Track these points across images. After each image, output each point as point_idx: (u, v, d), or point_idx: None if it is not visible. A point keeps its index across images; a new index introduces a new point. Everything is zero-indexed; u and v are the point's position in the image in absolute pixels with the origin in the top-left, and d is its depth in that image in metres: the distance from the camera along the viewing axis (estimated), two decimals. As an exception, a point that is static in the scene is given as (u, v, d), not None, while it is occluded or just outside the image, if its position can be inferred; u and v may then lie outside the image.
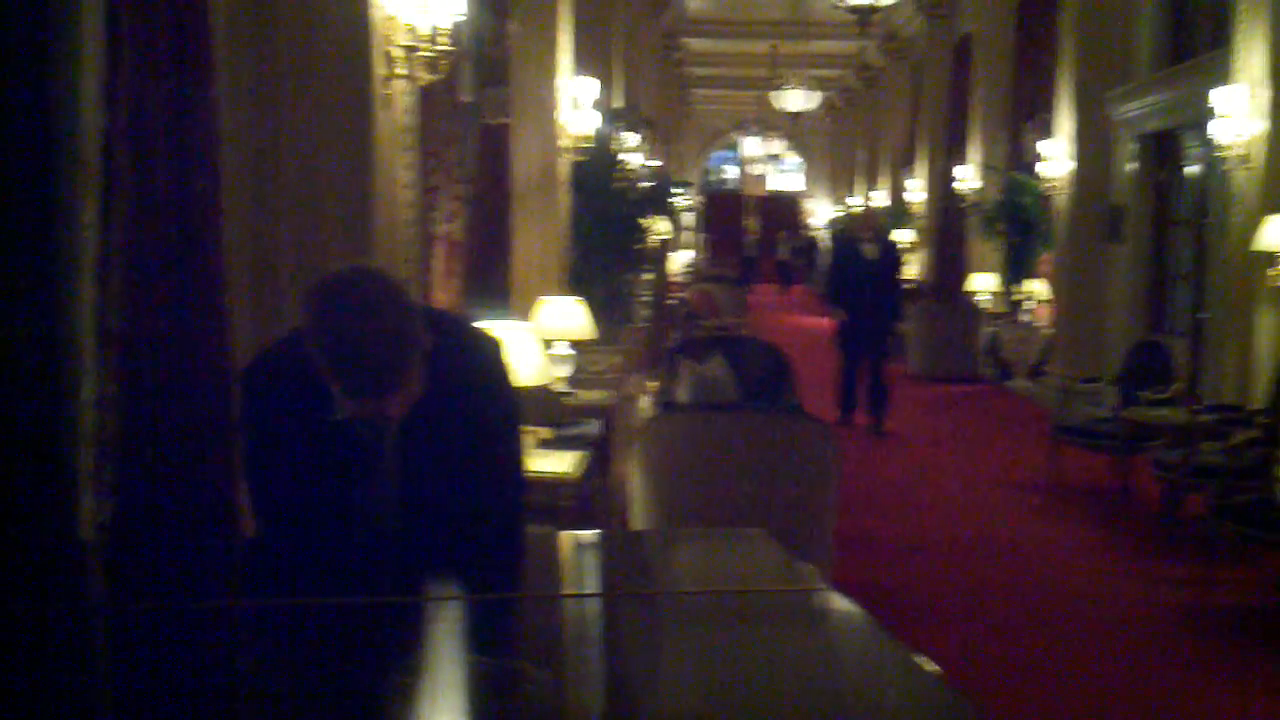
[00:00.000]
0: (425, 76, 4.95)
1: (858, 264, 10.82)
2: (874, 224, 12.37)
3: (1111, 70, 11.78)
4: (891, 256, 11.11)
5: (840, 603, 2.29)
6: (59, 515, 2.85)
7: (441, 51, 4.93)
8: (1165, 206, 11.30)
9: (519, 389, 2.85)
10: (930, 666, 1.96)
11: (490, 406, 2.61)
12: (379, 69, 4.61)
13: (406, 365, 2.33)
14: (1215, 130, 8.42)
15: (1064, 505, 8.27)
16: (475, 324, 2.93)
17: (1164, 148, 11.23)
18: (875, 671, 2.09)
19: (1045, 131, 13.52)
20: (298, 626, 2.12)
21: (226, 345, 2.98)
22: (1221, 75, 8.57)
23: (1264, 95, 7.97)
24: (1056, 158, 12.58)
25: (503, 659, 1.96)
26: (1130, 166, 11.52)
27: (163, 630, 2.13)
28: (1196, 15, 10.83)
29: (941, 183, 18.30)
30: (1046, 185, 13.06)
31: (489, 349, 2.68)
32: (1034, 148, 13.97)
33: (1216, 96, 8.37)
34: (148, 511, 2.68)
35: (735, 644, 2.18)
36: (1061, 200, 12.55)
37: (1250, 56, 8.15)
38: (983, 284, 15.62)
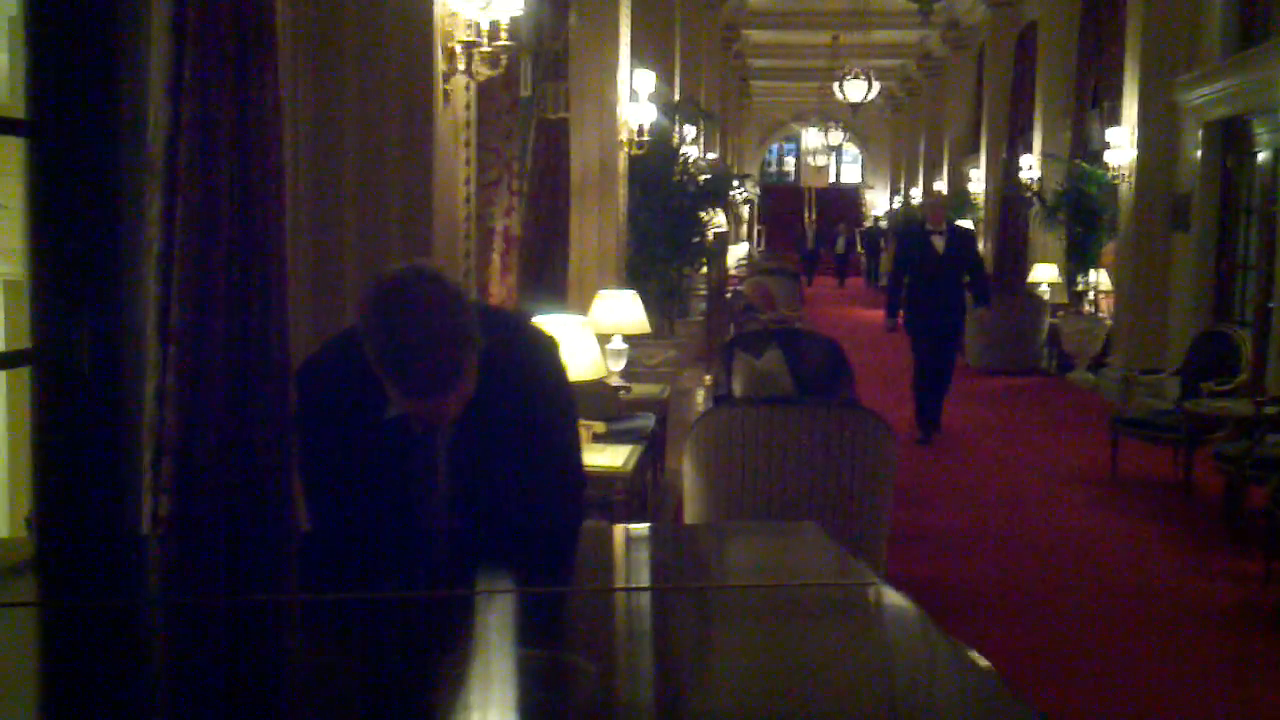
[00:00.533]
0: (485, 72, 4.99)
1: (926, 258, 9.82)
2: (944, 213, 10.50)
3: (1179, 56, 11.61)
4: (965, 247, 10.16)
5: (893, 597, 2.28)
6: (119, 510, 2.92)
7: (501, 47, 4.96)
8: (1233, 194, 11.11)
9: (574, 385, 2.87)
10: (983, 663, 1.96)
11: (546, 404, 2.63)
12: (439, 65, 4.65)
13: (461, 365, 2.35)
14: (1284, 118, 8.29)
15: (1124, 498, 8.18)
16: (531, 321, 2.95)
17: (1232, 134, 11.04)
18: (928, 667, 2.09)
19: (1110, 119, 13.35)
20: (351, 620, 2.16)
21: (287, 342, 3.02)
22: (1292, 62, 8.43)
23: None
24: (1121, 146, 12.42)
25: (554, 652, 1.98)
26: (1196, 154, 11.34)
27: (220, 625, 2.17)
28: None
29: (1004, 172, 18.12)
30: (1111, 174, 12.88)
31: (545, 347, 2.70)
32: (1099, 136, 13.79)
33: (1285, 83, 8.23)
34: (206, 507, 2.73)
35: (786, 638, 2.18)
36: (1126, 189, 12.39)
37: (1321, 42, 8.01)
38: (1044, 275, 15.45)
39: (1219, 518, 7.39)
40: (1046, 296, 15.13)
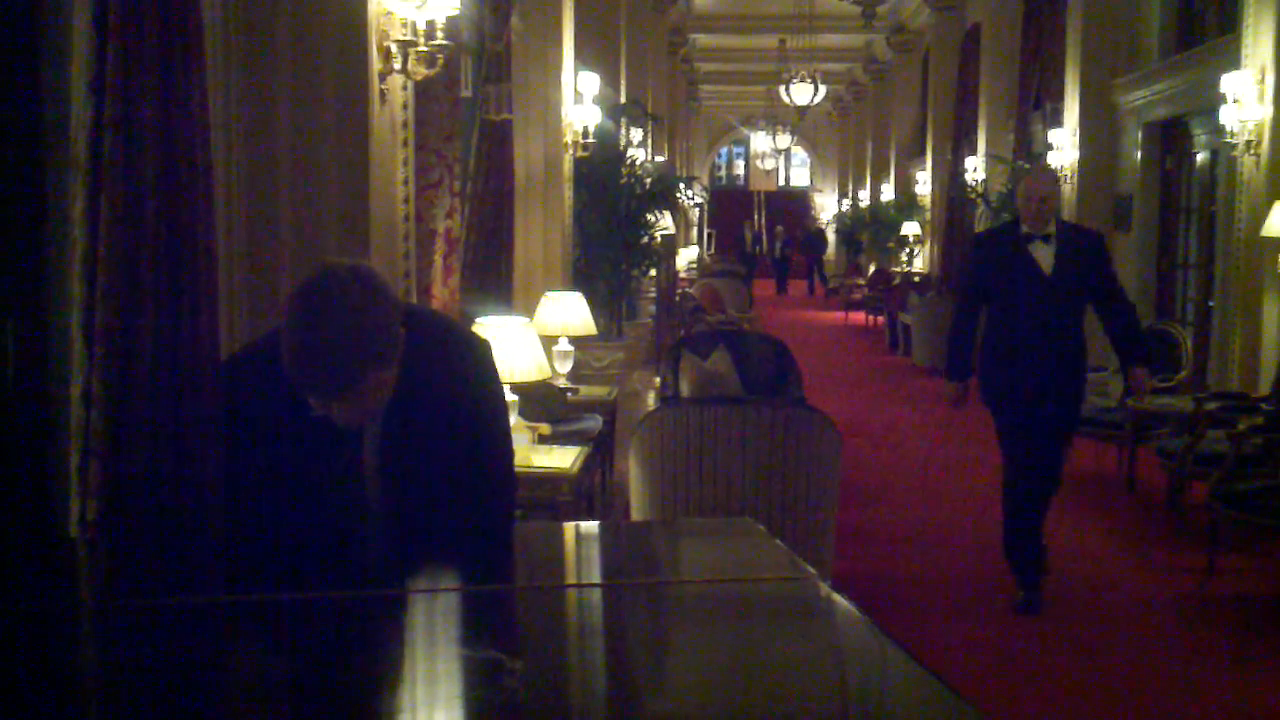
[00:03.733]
0: (422, 71, 4.94)
1: (1021, 281, 5.76)
2: (1054, 206, 5.89)
3: (1119, 58, 11.75)
4: (1088, 262, 5.82)
5: (827, 591, 2.28)
6: (46, 513, 2.86)
7: (439, 46, 4.92)
8: (1172, 195, 11.26)
9: (503, 386, 2.84)
10: (917, 665, 1.94)
11: (473, 405, 2.60)
12: (375, 64, 4.61)
13: (363, 370, 2.32)
14: (1223, 117, 8.39)
15: (1069, 494, 8.21)
16: (459, 323, 2.93)
17: (1171, 135, 11.18)
18: (859, 661, 2.08)
19: (1053, 121, 13.48)
20: (282, 621, 2.12)
21: (218, 343, 2.97)
22: (1230, 61, 8.54)
23: (1272, 80, 7.95)
24: (1063, 147, 12.54)
25: (481, 650, 1.95)
26: (1137, 155, 11.48)
27: (149, 627, 2.13)
28: (1204, 2, 10.79)
29: (949, 174, 18.26)
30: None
31: (473, 348, 2.68)
32: (1042, 137, 13.92)
33: (1225, 82, 8.33)
34: (135, 511, 2.68)
35: (724, 635, 2.17)
36: (1068, 189, 12.51)
37: (1259, 41, 8.12)
38: (990, 275, 15.57)
39: (1162, 513, 7.47)
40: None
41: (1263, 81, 8.04)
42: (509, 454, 2.76)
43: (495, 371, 2.73)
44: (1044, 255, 5.76)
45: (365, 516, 2.54)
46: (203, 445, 2.70)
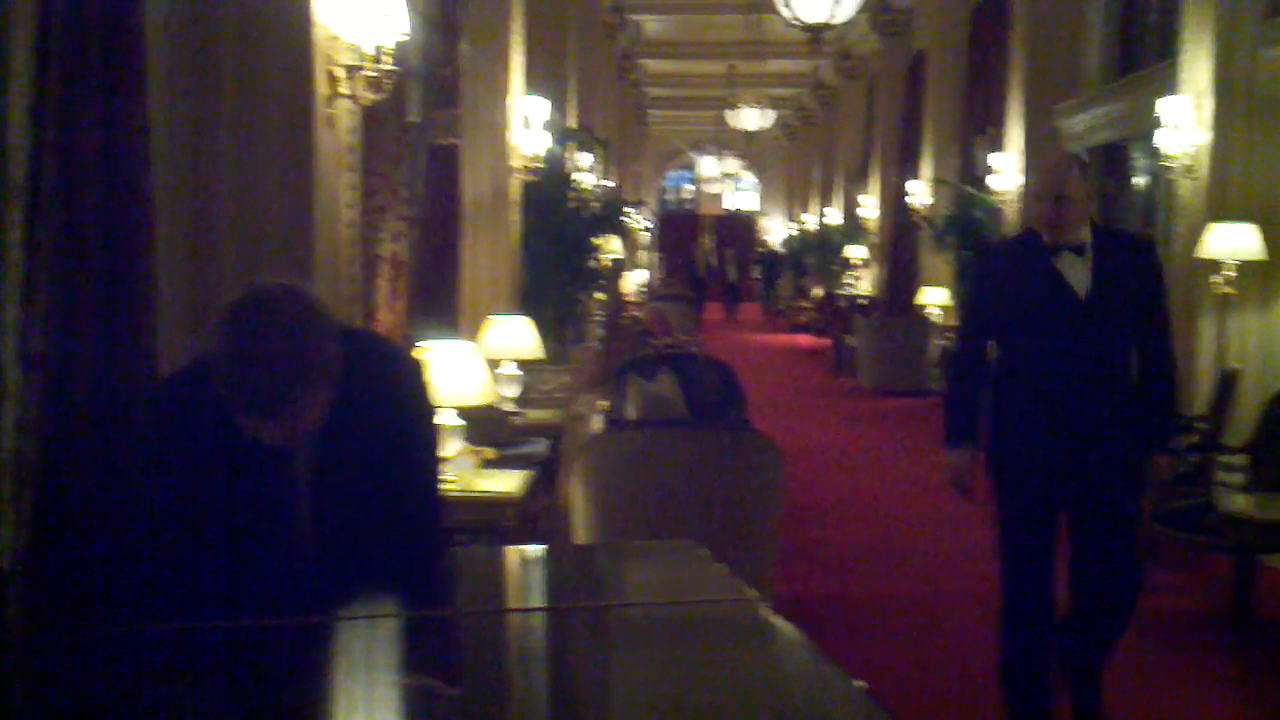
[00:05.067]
0: (369, 96, 4.95)
1: (1044, 307, 4.23)
2: (1086, 208, 4.22)
3: (1060, 84, 11.93)
4: (1135, 283, 4.26)
5: (769, 614, 2.30)
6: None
7: (386, 71, 4.93)
8: (1112, 217, 11.43)
9: (435, 409, 2.84)
10: (858, 683, 1.97)
11: (406, 426, 2.59)
12: (321, 88, 4.61)
13: (295, 390, 2.30)
14: (1161, 141, 8.54)
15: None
16: (395, 344, 2.93)
17: (1111, 159, 11.36)
18: (801, 684, 2.10)
19: (996, 145, 13.66)
20: (216, 649, 2.11)
21: (157, 369, 2.96)
22: (1167, 87, 8.70)
23: (1208, 106, 8.10)
24: (1006, 171, 12.71)
25: (417, 678, 1.95)
26: (1077, 180, 11.65)
27: (82, 657, 2.11)
28: (1143, 29, 10.99)
29: (894, 198, 18.44)
30: (997, 199, 13.18)
31: (406, 369, 2.67)
32: (985, 162, 14.11)
33: (1162, 108, 8.49)
34: (70, 541, 2.65)
35: (664, 657, 2.18)
36: (1011, 213, 12.68)
37: (1195, 68, 8.28)
38: (933, 298, 15.75)
39: (1103, 532, 7.56)
40: (936, 318, 15.41)
41: (1199, 107, 8.20)
42: (437, 477, 2.76)
43: (427, 391, 2.72)
44: (1076, 272, 4.14)
45: (298, 541, 2.52)
46: (140, 472, 2.68)
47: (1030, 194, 4.44)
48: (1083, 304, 4.15)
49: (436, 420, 2.79)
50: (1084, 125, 11.45)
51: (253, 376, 2.26)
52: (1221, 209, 7.91)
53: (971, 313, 4.69)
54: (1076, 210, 4.16)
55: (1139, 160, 10.66)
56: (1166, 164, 8.59)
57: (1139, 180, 10.74)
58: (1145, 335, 4.27)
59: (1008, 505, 4.32)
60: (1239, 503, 5.67)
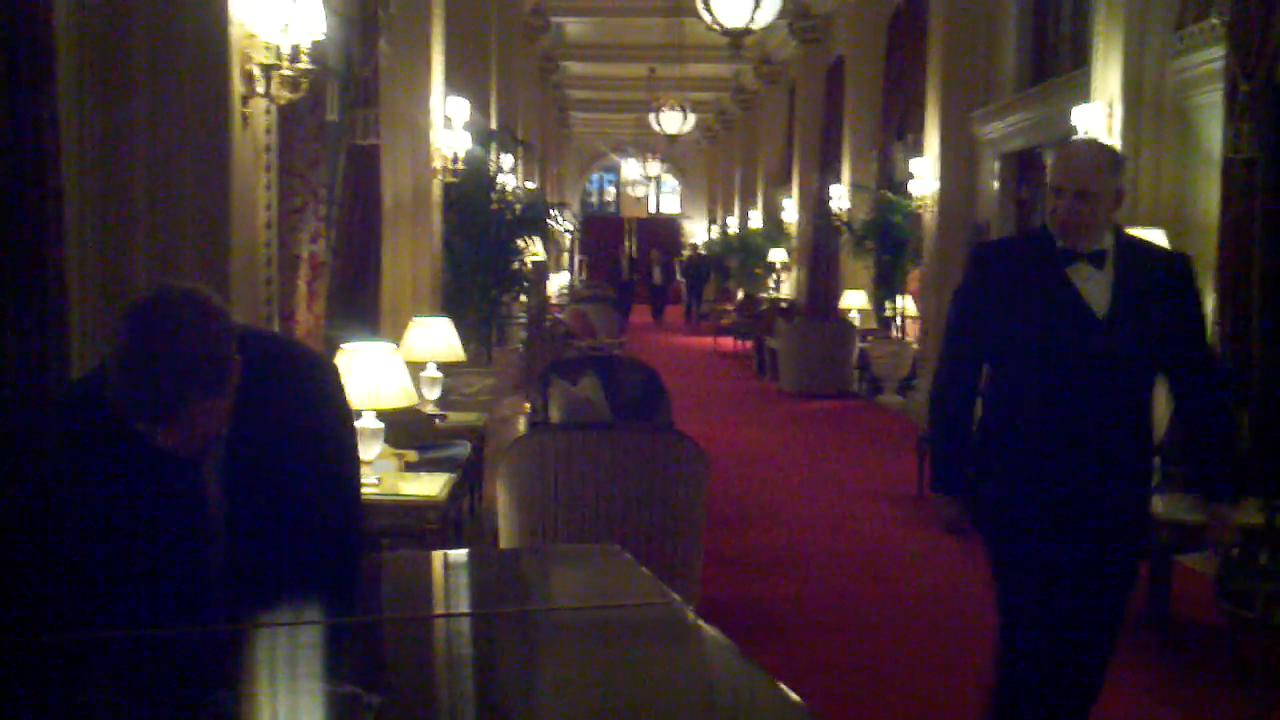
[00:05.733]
0: (286, 95, 4.89)
1: (1057, 326, 3.47)
2: (1107, 207, 3.45)
3: (977, 91, 12.12)
4: (1162, 299, 3.52)
5: (693, 616, 2.30)
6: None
7: (303, 70, 4.87)
8: (1028, 223, 11.62)
9: (350, 409, 2.79)
10: (778, 689, 1.96)
11: (317, 431, 2.54)
12: (237, 87, 4.54)
13: (186, 396, 2.25)
14: (1073, 149, 8.70)
15: (931, 515, 8.37)
16: (302, 346, 2.88)
17: (1026, 166, 11.56)
18: (725, 686, 2.10)
19: (914, 151, 13.84)
20: (130, 657, 2.06)
21: (69, 369, 2.89)
22: (1080, 94, 8.86)
23: (1119, 113, 8.26)
24: (924, 177, 12.88)
25: (338, 685, 1.92)
26: (994, 184, 11.84)
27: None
28: (1057, 38, 11.19)
29: (815, 202, 18.60)
30: (915, 204, 13.35)
31: (315, 373, 2.62)
32: (904, 167, 14.28)
33: (1076, 115, 8.64)
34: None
35: (587, 661, 2.17)
36: (929, 218, 12.84)
37: (1107, 75, 8.45)
38: (854, 301, 15.90)
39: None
40: (857, 322, 15.57)
41: (1111, 114, 8.36)
42: (356, 480, 2.71)
43: (341, 394, 2.67)
44: (1093, 285, 3.48)
45: (209, 546, 2.46)
46: (51, 476, 2.61)
47: (1047, 188, 3.56)
48: (1100, 324, 3.45)
49: (351, 423, 2.73)
50: (1000, 132, 11.64)
51: (141, 382, 2.21)
52: (1132, 216, 8.07)
53: (961, 329, 3.67)
54: (1101, 211, 3.46)
55: (1053, 166, 10.86)
56: (1080, 170, 8.75)
57: (1054, 186, 10.93)
58: (1182, 368, 3.62)
59: (1002, 564, 3.68)
60: (1151, 505, 5.76)
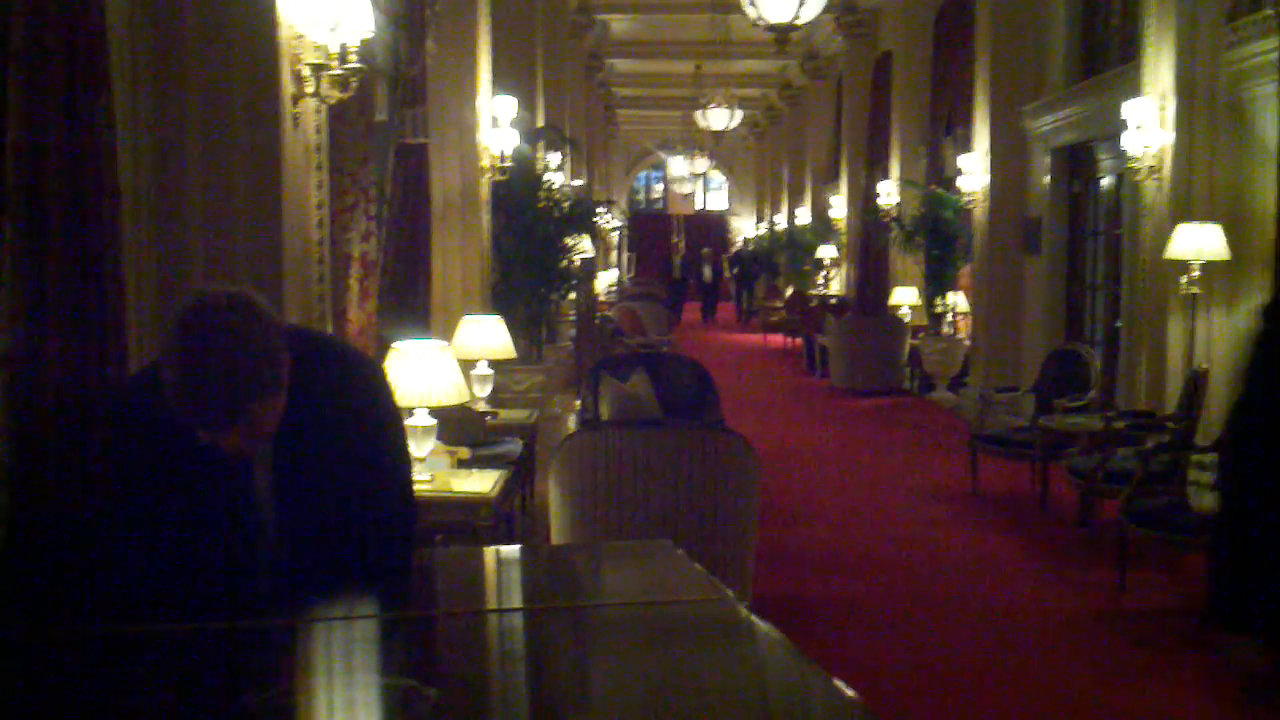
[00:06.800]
0: (335, 95, 4.91)
1: None
2: None
3: (1026, 85, 11.99)
4: None
5: (746, 612, 2.28)
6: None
7: (351, 70, 4.89)
8: (1080, 218, 11.49)
9: (398, 407, 2.80)
10: (833, 686, 1.95)
11: (364, 427, 2.55)
12: (287, 88, 4.57)
13: (245, 400, 2.27)
14: (1126, 142, 8.59)
15: (983, 512, 8.36)
16: (351, 347, 2.89)
17: (1077, 160, 11.42)
18: (779, 682, 2.08)
19: (963, 146, 13.71)
20: (190, 651, 2.08)
21: (126, 368, 2.92)
22: (1131, 89, 8.75)
23: (1172, 107, 8.15)
24: (974, 172, 12.76)
25: (395, 678, 1.93)
26: (1045, 179, 11.71)
27: (57, 657, 2.08)
28: (1107, 31, 11.05)
29: (863, 198, 18.48)
30: (965, 199, 13.23)
31: (362, 370, 2.64)
32: (953, 162, 14.16)
33: (1127, 109, 8.54)
34: (44, 540, 2.61)
35: (641, 657, 2.17)
36: (979, 213, 12.73)
37: (1158, 69, 8.33)
38: (905, 297, 15.79)
39: (1074, 529, 7.60)
40: (907, 319, 15.46)
41: (1163, 108, 8.25)
42: (406, 477, 2.72)
43: (388, 392, 2.69)
44: None
45: (260, 544, 2.48)
46: (109, 471, 2.64)
47: None
48: None
49: (400, 420, 2.74)
50: (1050, 126, 11.51)
51: (202, 392, 2.23)
52: (1187, 210, 7.96)
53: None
54: None
55: (1104, 161, 10.72)
56: (1132, 165, 8.64)
57: (1105, 181, 10.80)
58: None
59: None
60: (1211, 501, 5.68)
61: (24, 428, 2.64)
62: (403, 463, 2.71)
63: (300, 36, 4.65)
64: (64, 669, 2.04)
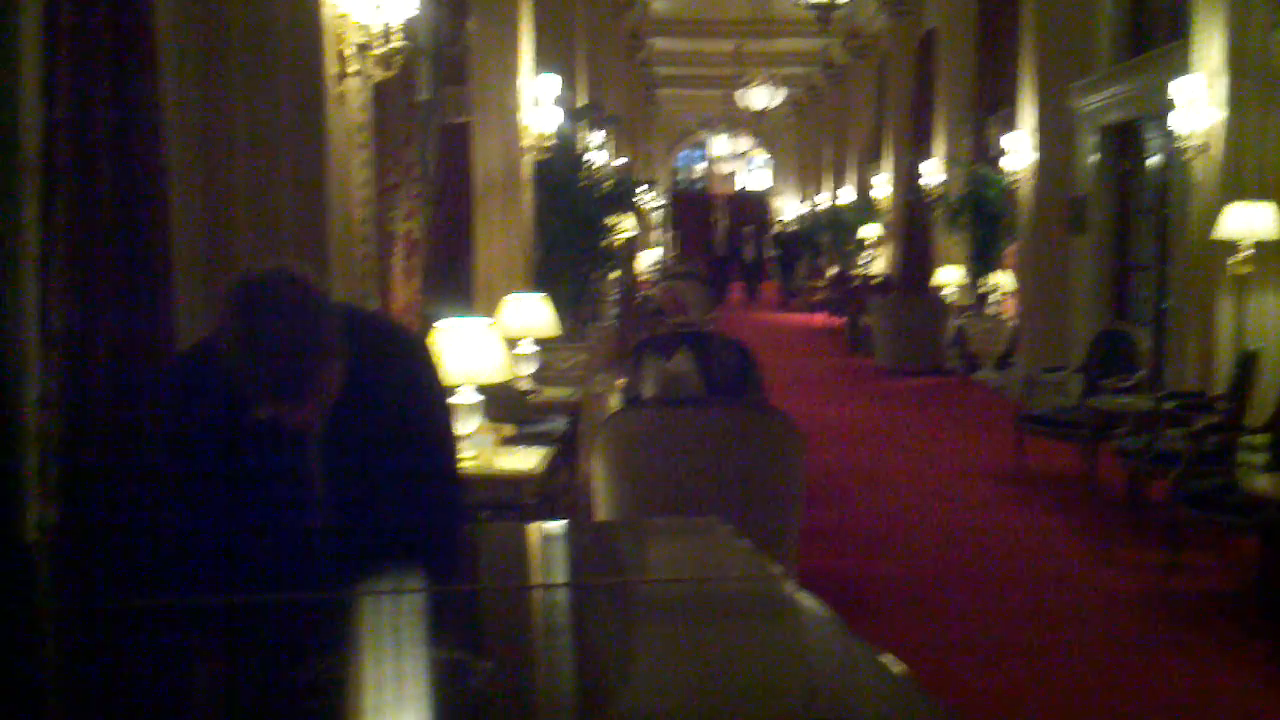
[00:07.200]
0: (379, 74, 4.93)
1: None
2: None
3: (1072, 63, 11.83)
4: None
5: (794, 589, 2.27)
6: (3, 517, 2.81)
7: (394, 49, 4.90)
8: (1127, 197, 11.35)
9: (444, 383, 2.83)
10: (882, 663, 1.93)
11: (416, 407, 2.57)
12: (331, 67, 4.58)
13: (313, 371, 2.30)
14: (1174, 121, 8.47)
15: (1030, 494, 8.30)
16: (401, 324, 2.91)
17: (1125, 139, 11.28)
18: (827, 659, 2.07)
19: (1008, 125, 13.57)
20: (245, 622, 2.10)
21: (174, 344, 2.95)
22: (1180, 66, 8.62)
23: (1221, 85, 8.02)
24: (1019, 150, 12.63)
25: (447, 651, 1.93)
26: (1092, 158, 11.57)
27: (108, 630, 2.10)
28: (1155, 7, 10.89)
29: (907, 177, 18.36)
30: (1010, 178, 13.11)
31: (414, 350, 2.67)
32: (998, 141, 14.02)
33: (1175, 87, 8.41)
34: (95, 513, 2.64)
35: (692, 634, 2.16)
36: (1025, 192, 12.60)
37: (1207, 47, 8.20)
38: (949, 277, 15.68)
39: (1122, 510, 7.53)
40: (952, 298, 15.35)
41: (1212, 86, 8.12)
42: (453, 450, 2.74)
43: (434, 368, 2.71)
44: None
45: (312, 519, 2.50)
46: (160, 446, 2.67)
47: None
48: None
49: (445, 396, 2.76)
50: (1097, 104, 11.37)
51: (273, 364, 2.26)
52: (1237, 189, 7.83)
53: None
54: None
55: (1152, 140, 10.58)
56: (1181, 144, 8.52)
57: (1153, 160, 10.66)
58: None
59: None
60: (1262, 482, 5.61)
61: (76, 405, 2.66)
62: (449, 437, 2.72)
63: (344, 16, 4.66)
64: (119, 643, 2.06)
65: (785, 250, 31.37)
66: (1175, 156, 9.30)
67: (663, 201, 28.10)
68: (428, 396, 2.64)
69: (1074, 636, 5.48)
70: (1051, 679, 4.98)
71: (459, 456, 2.81)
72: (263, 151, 4.20)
